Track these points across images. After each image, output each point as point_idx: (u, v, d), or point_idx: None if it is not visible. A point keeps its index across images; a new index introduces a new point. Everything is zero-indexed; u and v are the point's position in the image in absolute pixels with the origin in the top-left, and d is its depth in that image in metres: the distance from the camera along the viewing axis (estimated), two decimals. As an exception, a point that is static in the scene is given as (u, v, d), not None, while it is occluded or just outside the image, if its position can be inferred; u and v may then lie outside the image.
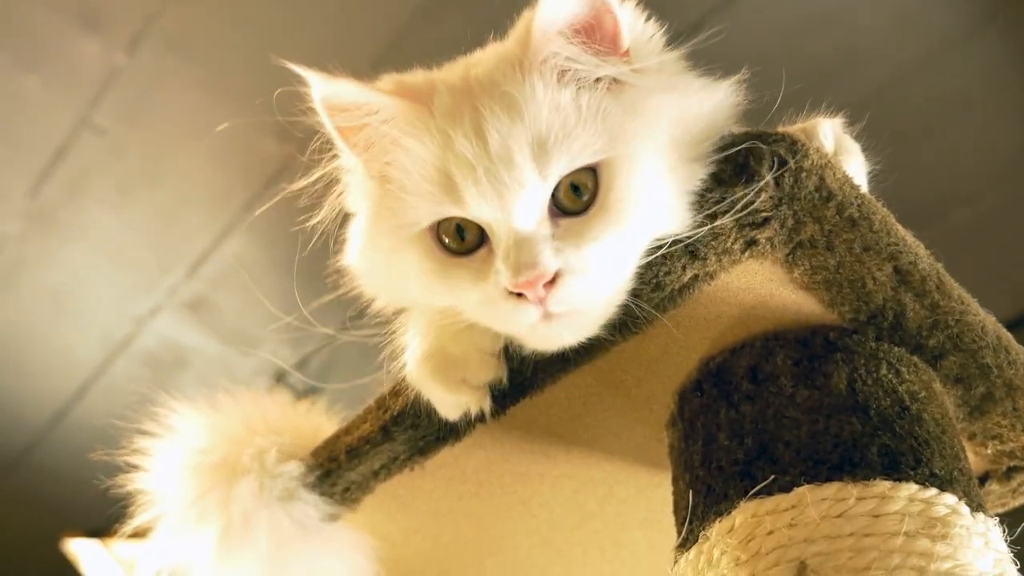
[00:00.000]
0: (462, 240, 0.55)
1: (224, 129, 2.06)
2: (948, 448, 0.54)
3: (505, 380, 0.59)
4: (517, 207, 0.52)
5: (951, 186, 2.06)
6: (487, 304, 0.54)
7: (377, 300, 0.63)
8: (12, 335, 2.40)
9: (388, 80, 0.60)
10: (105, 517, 0.78)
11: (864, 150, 0.61)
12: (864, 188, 0.59)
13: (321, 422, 0.79)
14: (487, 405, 0.60)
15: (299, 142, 1.99)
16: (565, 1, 0.52)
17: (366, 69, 2.02)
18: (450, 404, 0.60)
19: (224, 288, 2.34)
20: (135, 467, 0.74)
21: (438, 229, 0.56)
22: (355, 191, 0.61)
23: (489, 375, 0.58)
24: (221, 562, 0.68)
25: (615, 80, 0.54)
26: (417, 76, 0.59)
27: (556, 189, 0.53)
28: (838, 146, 0.58)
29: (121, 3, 1.86)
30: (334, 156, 0.62)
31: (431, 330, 0.59)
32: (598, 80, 0.54)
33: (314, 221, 0.63)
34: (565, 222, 0.53)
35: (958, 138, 1.95)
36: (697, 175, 0.53)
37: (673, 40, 0.59)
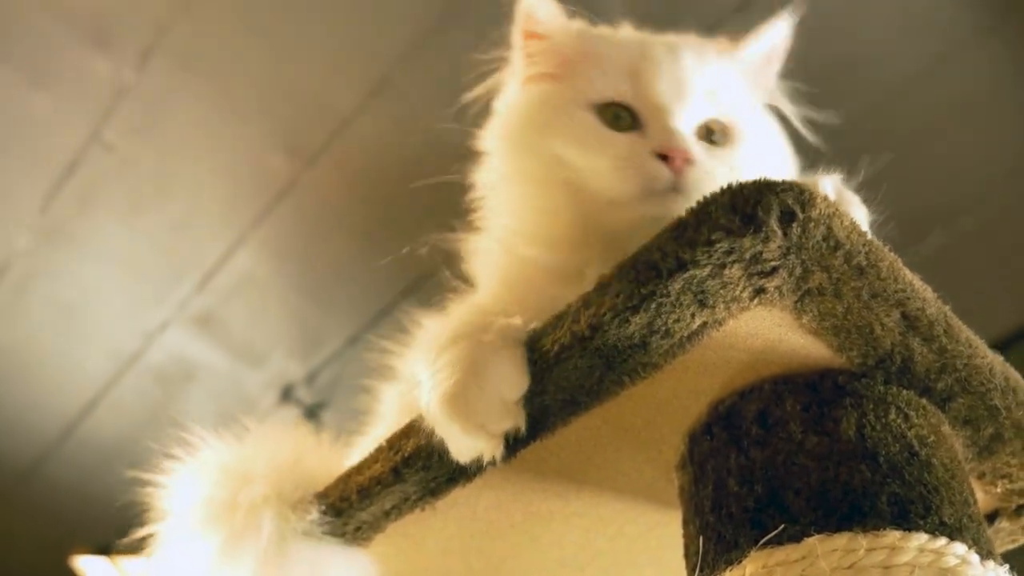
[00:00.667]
0: (617, 122, 0.67)
1: (233, 144, 2.07)
2: (957, 494, 0.55)
3: (523, 429, 0.59)
4: (686, 110, 0.66)
5: (958, 191, 2.06)
6: (631, 158, 0.64)
7: (490, 174, 0.74)
8: (22, 349, 2.42)
9: None
10: (114, 533, 0.79)
11: (865, 201, 0.62)
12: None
13: (337, 457, 0.79)
14: (500, 453, 0.60)
15: (307, 157, 2.00)
16: (775, 41, 0.74)
17: (376, 83, 2.03)
18: (465, 448, 0.60)
19: (233, 302, 2.35)
20: (156, 487, 0.74)
21: (600, 111, 0.68)
22: (519, 79, 0.74)
23: (509, 424, 0.59)
24: None
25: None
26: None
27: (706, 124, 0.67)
28: (839, 201, 0.58)
29: (131, 20, 1.88)
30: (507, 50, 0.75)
31: (455, 370, 0.60)
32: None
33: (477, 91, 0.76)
34: (703, 144, 0.66)
35: (963, 143, 1.95)
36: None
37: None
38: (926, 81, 1.87)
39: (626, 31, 0.74)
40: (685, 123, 0.66)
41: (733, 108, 0.68)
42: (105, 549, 2.41)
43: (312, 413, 2.54)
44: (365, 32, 1.88)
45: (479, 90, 0.76)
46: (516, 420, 0.59)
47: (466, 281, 0.76)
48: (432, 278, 0.80)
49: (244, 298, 2.40)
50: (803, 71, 1.91)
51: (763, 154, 0.69)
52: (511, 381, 0.59)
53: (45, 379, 2.52)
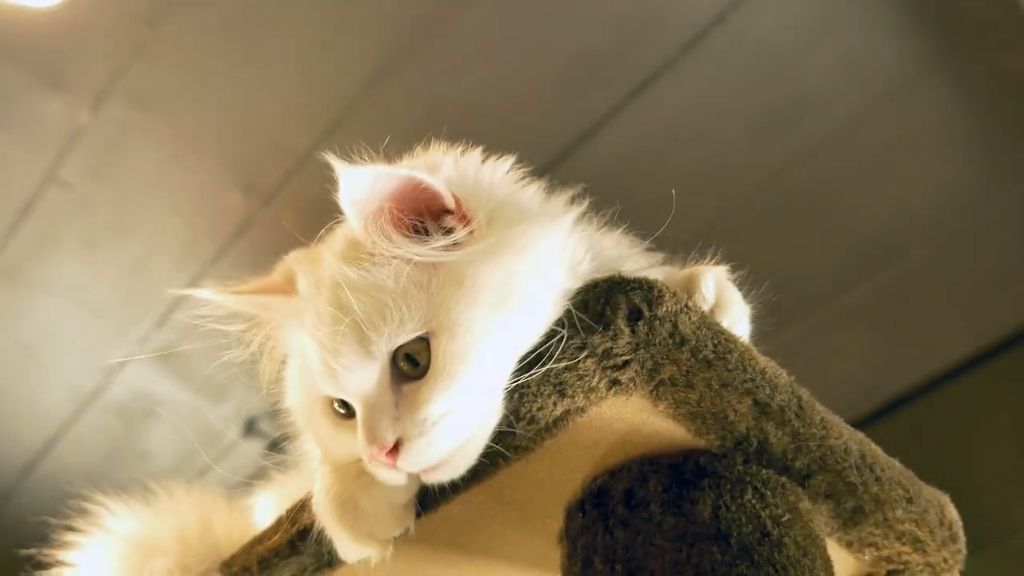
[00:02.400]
0: (347, 407, 0.60)
1: (190, 182, 2.09)
2: (808, 571, 0.57)
3: (412, 531, 0.61)
4: (351, 387, 0.57)
5: (906, 225, 2.09)
6: (374, 471, 0.58)
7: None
8: (-19, 388, 2.42)
9: (277, 268, 0.66)
10: None
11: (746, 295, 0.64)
12: (746, 333, 0.62)
13: (246, 522, 0.81)
14: (389, 554, 0.61)
15: (264, 195, 2.02)
16: (361, 184, 0.55)
17: (331, 122, 2.05)
18: (353, 552, 0.62)
19: (194, 338, 2.36)
20: (62, 564, 0.76)
21: (330, 403, 0.61)
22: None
23: (398, 530, 0.60)
24: None
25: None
26: (286, 262, 0.65)
27: (396, 358, 0.56)
28: (719, 296, 0.61)
29: (85, 62, 1.89)
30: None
31: (342, 474, 0.61)
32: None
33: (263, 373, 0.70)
34: (406, 387, 0.56)
35: (909, 180, 1.99)
36: (542, 321, 0.57)
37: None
38: (870, 120, 1.91)
39: None
40: (367, 391, 0.57)
41: (400, 316, 0.56)
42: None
43: (276, 446, 2.54)
44: (320, 72, 1.90)
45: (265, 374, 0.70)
46: (405, 523, 0.61)
47: None
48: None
49: (204, 334, 2.41)
50: (750, 110, 1.95)
51: (473, 310, 0.56)
52: (399, 487, 0.59)
53: (5, 417, 2.52)
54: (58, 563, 0.76)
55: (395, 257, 0.56)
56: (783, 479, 0.61)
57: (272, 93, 1.94)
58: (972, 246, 2.12)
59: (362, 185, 0.55)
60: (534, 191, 0.63)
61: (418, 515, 0.65)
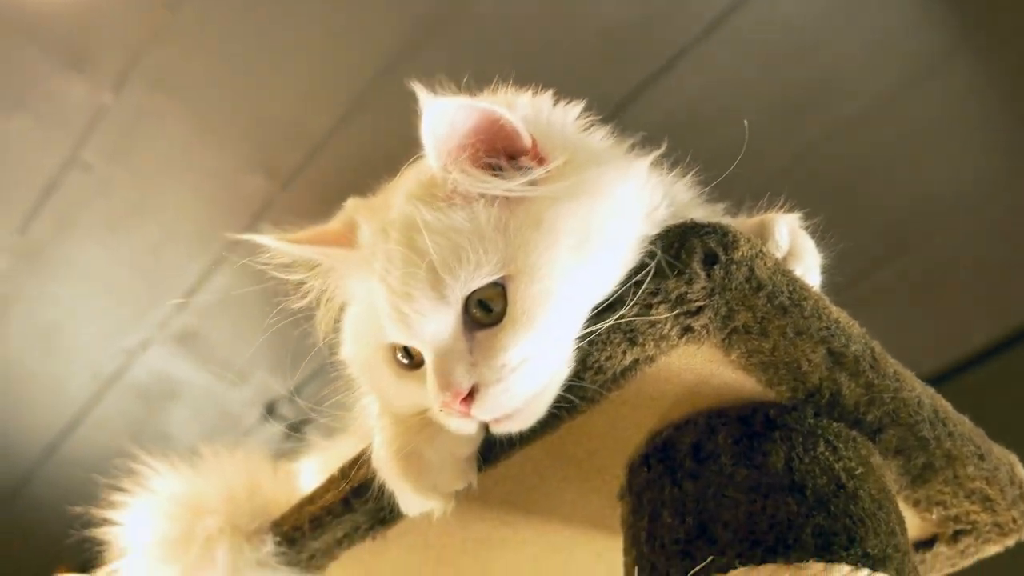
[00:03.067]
0: (411, 357, 0.59)
1: (209, 165, 2.08)
2: (883, 524, 0.56)
3: (475, 485, 0.60)
4: (424, 334, 0.55)
5: (926, 214, 2.08)
6: (444, 420, 0.57)
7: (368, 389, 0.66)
8: (2, 372, 2.42)
9: (337, 216, 0.64)
10: (97, 553, 0.80)
11: (819, 243, 0.63)
12: (818, 283, 0.61)
13: (293, 485, 0.81)
14: (450, 508, 0.60)
15: (283, 178, 2.01)
16: (446, 115, 0.53)
17: (350, 104, 2.05)
18: (416, 505, 0.60)
19: (214, 320, 2.36)
20: (109, 523, 0.75)
21: (392, 348, 0.59)
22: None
23: (462, 483, 0.59)
24: None
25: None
26: (347, 210, 0.63)
27: (468, 305, 0.55)
28: (794, 244, 0.60)
29: (106, 43, 1.89)
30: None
31: (404, 427, 0.60)
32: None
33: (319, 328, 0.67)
34: (480, 335, 0.54)
35: (935, 164, 1.97)
36: (619, 266, 0.55)
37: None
38: (895, 104, 1.89)
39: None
40: (441, 338, 0.55)
41: (477, 259, 0.54)
42: (89, 567, 2.40)
43: (296, 430, 2.54)
44: (338, 54, 1.89)
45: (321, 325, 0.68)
46: (469, 477, 0.60)
47: None
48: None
49: (225, 316, 2.41)
50: (776, 93, 1.93)
51: (553, 257, 0.54)
52: (466, 439, 0.58)
53: (27, 400, 2.52)
54: (105, 523, 0.75)
55: (474, 197, 0.54)
56: (854, 433, 0.60)
57: (291, 76, 1.93)
58: (995, 232, 2.10)
59: (445, 117, 0.53)
60: (604, 135, 0.61)
61: (477, 471, 0.64)
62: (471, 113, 0.53)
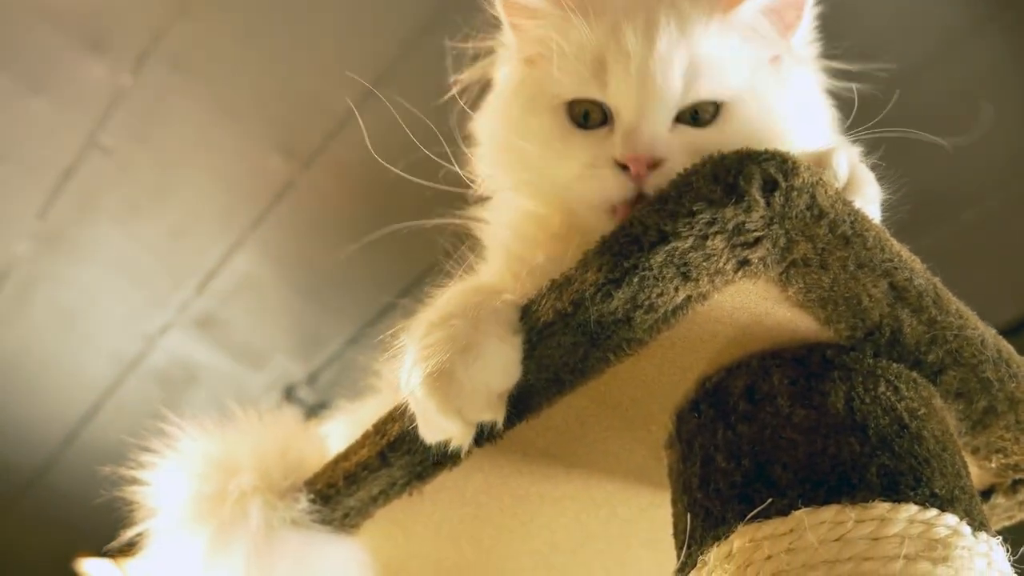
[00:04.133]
0: (587, 119, 0.63)
1: (230, 146, 2.07)
2: (949, 466, 0.54)
3: (500, 425, 0.58)
4: (656, 104, 0.60)
5: (959, 185, 2.04)
6: (593, 167, 0.60)
7: (483, 166, 0.70)
8: (23, 355, 2.42)
9: None
10: (118, 536, 0.79)
11: (879, 179, 0.61)
12: (877, 218, 0.58)
13: (324, 444, 0.79)
14: (468, 443, 0.59)
15: (304, 158, 1.99)
16: None
17: (371, 82, 2.01)
18: (435, 428, 0.59)
19: (233, 304, 2.35)
20: (140, 484, 0.74)
21: (570, 108, 0.64)
22: (504, 65, 0.71)
23: (487, 415, 0.58)
24: None
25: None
26: None
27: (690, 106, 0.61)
28: (852, 176, 0.57)
29: (126, 24, 1.87)
30: (495, 33, 0.72)
31: (446, 349, 0.57)
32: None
33: (462, 77, 0.72)
34: (682, 127, 0.61)
35: (965, 137, 1.94)
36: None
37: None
38: (922, 77, 1.86)
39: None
40: (659, 116, 0.60)
41: (722, 80, 0.61)
42: (110, 552, 2.40)
43: (315, 413, 2.54)
44: (359, 32, 1.88)
45: (469, 75, 0.72)
46: (495, 413, 0.58)
47: (467, 264, 0.73)
48: (433, 276, 0.78)
49: (244, 300, 2.40)
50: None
51: (771, 116, 0.62)
52: (503, 372, 0.57)
53: (47, 385, 2.52)
54: (136, 483, 0.73)
55: (748, 36, 0.63)
56: (914, 374, 0.58)
57: (311, 54, 1.92)
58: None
59: None
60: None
61: (517, 421, 0.62)
62: None
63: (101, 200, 2.17)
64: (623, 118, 0.61)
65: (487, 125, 0.70)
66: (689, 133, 0.60)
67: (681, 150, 0.59)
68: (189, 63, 1.92)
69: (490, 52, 0.72)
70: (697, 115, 0.61)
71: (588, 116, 0.63)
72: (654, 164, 0.58)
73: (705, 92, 0.61)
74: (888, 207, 0.63)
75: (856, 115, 0.72)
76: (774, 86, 0.63)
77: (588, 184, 0.60)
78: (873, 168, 0.61)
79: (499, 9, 0.68)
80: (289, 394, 2.50)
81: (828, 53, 0.69)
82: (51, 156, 2.10)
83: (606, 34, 0.62)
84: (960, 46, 1.79)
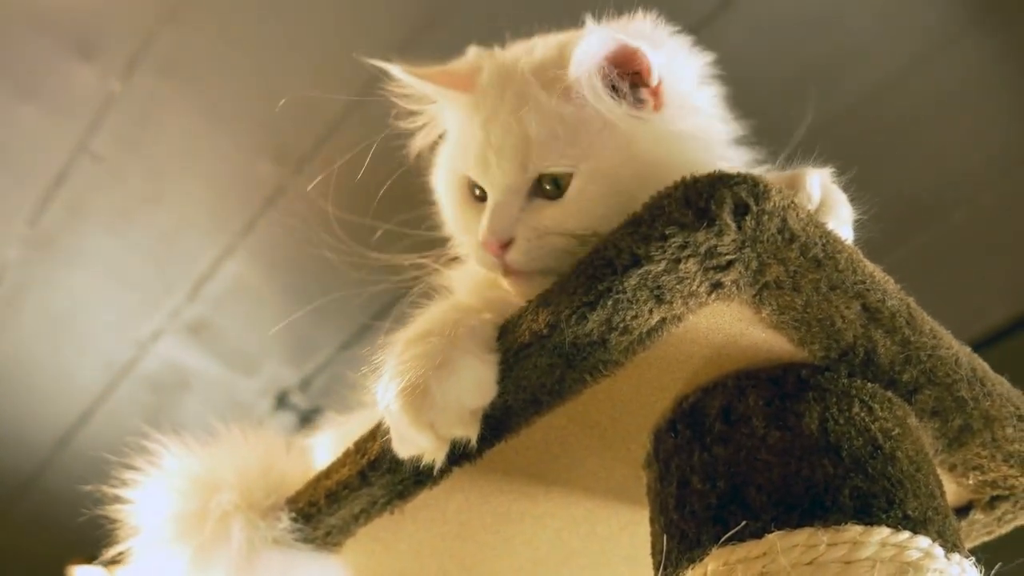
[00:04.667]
0: (483, 192, 0.66)
1: (220, 151, 2.07)
2: (922, 486, 0.54)
3: (474, 443, 0.58)
4: (497, 183, 0.64)
5: (945, 187, 2.05)
6: (481, 255, 0.65)
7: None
8: (15, 361, 2.41)
9: (462, 60, 0.71)
10: (110, 543, 0.79)
11: (852, 199, 0.61)
12: (850, 238, 0.59)
13: (307, 462, 0.79)
14: (440, 460, 0.59)
15: (295, 163, 1.99)
16: (603, 42, 0.61)
17: (361, 87, 2.02)
18: (408, 442, 0.59)
19: (225, 310, 2.35)
20: (123, 501, 0.74)
21: (470, 181, 0.68)
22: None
23: (460, 432, 0.58)
24: None
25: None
26: (479, 55, 0.70)
27: (541, 179, 0.63)
28: (826, 197, 0.58)
29: (115, 29, 1.87)
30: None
31: (421, 364, 0.58)
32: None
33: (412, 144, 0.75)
34: (537, 202, 0.63)
35: (951, 138, 1.94)
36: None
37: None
38: (913, 76, 1.86)
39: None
40: (505, 198, 0.63)
41: (563, 153, 0.62)
42: (102, 559, 2.39)
43: (307, 419, 2.54)
44: (349, 37, 1.87)
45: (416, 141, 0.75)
46: (469, 430, 0.58)
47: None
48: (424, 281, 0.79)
49: (236, 305, 2.40)
50: (790, 67, 1.90)
51: (623, 173, 0.62)
52: (478, 389, 0.57)
53: (39, 391, 2.52)
54: (119, 501, 0.73)
55: (587, 100, 0.62)
56: (889, 393, 0.58)
57: (302, 59, 1.91)
58: (1014, 207, 2.06)
59: (602, 44, 0.61)
60: (713, 93, 0.68)
61: (496, 441, 0.62)
62: (623, 48, 0.61)
63: (92, 206, 2.17)
64: (488, 199, 0.65)
65: (437, 184, 0.73)
66: (542, 207, 0.63)
67: (532, 226, 0.62)
68: (179, 69, 1.92)
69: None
70: (556, 182, 0.63)
71: (476, 192, 0.67)
72: (506, 245, 0.63)
73: (545, 168, 0.63)
74: (875, 213, 0.63)
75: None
76: (624, 143, 0.62)
77: (478, 257, 0.65)
78: (845, 188, 0.61)
79: (399, 96, 0.71)
80: (282, 400, 2.50)
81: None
82: (41, 162, 2.10)
83: (470, 120, 0.66)
84: (947, 48, 1.80)
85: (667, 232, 0.52)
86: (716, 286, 0.53)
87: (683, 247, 0.52)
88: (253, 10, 1.83)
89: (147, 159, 2.08)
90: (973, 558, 0.53)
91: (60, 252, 2.23)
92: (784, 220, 0.51)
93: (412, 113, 0.72)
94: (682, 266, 0.52)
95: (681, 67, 0.66)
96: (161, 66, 1.90)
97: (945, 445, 0.61)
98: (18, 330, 2.36)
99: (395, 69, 0.68)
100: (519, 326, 0.58)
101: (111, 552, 0.77)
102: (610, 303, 0.54)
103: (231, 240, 2.22)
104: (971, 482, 0.64)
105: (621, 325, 0.55)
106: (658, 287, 0.53)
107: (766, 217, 0.51)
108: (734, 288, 0.53)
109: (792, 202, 0.52)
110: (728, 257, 0.52)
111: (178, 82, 1.93)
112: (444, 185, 0.71)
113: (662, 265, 0.52)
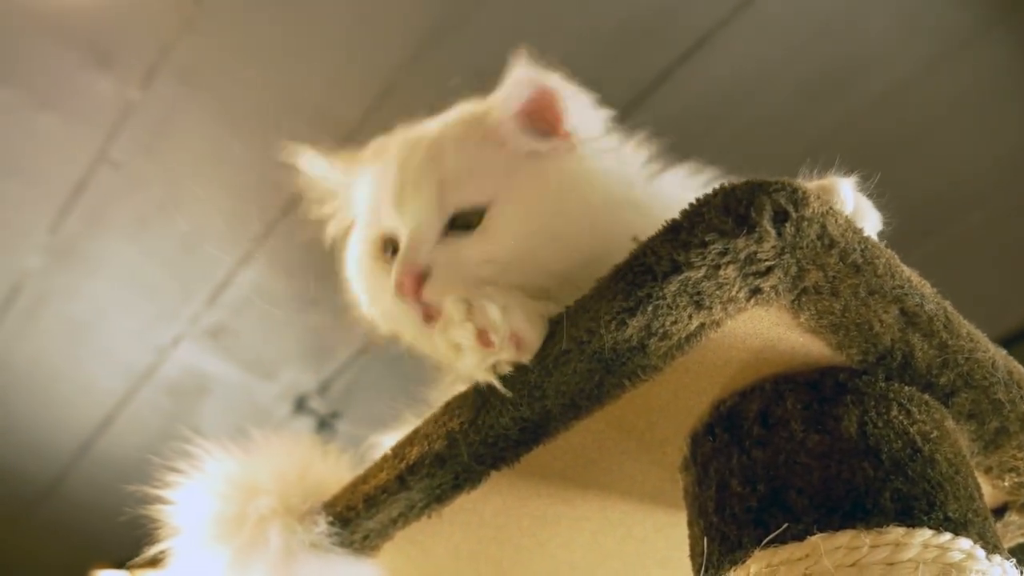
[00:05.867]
0: (393, 248, 0.68)
1: (238, 158, 2.08)
2: (962, 488, 0.54)
3: (526, 359, 0.59)
4: (412, 218, 0.66)
5: (963, 188, 2.05)
6: (395, 307, 0.66)
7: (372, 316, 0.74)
8: (36, 369, 2.43)
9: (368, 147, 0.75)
10: (132, 548, 0.80)
11: (872, 199, 0.62)
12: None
13: (344, 468, 0.80)
14: (490, 377, 0.59)
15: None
16: (516, 94, 0.66)
17: (378, 93, 2.03)
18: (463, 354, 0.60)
19: (244, 315, 2.36)
20: (163, 503, 0.75)
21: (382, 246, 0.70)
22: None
23: (513, 349, 0.58)
24: None
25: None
26: (385, 138, 0.73)
27: (455, 217, 0.66)
28: (857, 204, 0.59)
29: (133, 38, 1.89)
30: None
31: (483, 299, 0.61)
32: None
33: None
34: (451, 236, 0.66)
35: (968, 140, 1.94)
36: (578, 247, 0.64)
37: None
38: (929, 78, 1.86)
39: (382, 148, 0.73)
40: (423, 230, 0.65)
41: (477, 188, 0.65)
42: (124, 564, 2.42)
43: (326, 423, 2.55)
44: (366, 43, 1.89)
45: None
46: (524, 347, 0.59)
47: None
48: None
49: (255, 311, 2.42)
50: (806, 70, 1.91)
51: (535, 208, 0.65)
52: (530, 323, 0.60)
53: (60, 398, 2.54)
54: (157, 501, 0.74)
55: (504, 143, 0.66)
56: (926, 396, 0.58)
57: (318, 66, 1.93)
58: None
59: (529, 84, 0.65)
60: (623, 143, 0.72)
61: (534, 445, 0.63)
62: (545, 91, 0.66)
63: (111, 214, 2.19)
64: (401, 244, 0.67)
65: (352, 276, 0.75)
66: (457, 239, 0.65)
67: (447, 258, 0.65)
68: (197, 77, 1.94)
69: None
70: (467, 217, 0.66)
71: (387, 248, 0.69)
72: (421, 284, 0.64)
73: (459, 204, 0.65)
74: (892, 215, 0.64)
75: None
76: (539, 178, 0.66)
77: (395, 313, 0.68)
78: (861, 190, 0.62)
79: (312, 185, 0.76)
80: (300, 405, 2.51)
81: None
82: (61, 171, 2.12)
83: (379, 179, 0.69)
84: (962, 50, 1.80)
85: (707, 239, 0.52)
86: (755, 292, 0.53)
87: (723, 254, 0.52)
88: (269, 18, 1.84)
89: (166, 167, 2.10)
90: (1014, 559, 0.53)
91: (80, 260, 2.25)
92: (823, 226, 0.52)
93: (325, 200, 0.76)
94: (722, 272, 0.53)
95: (589, 115, 0.69)
96: (179, 74, 1.92)
97: (981, 447, 0.62)
98: (39, 338, 2.38)
99: (303, 160, 0.74)
100: (557, 333, 0.59)
101: (147, 552, 0.77)
102: (650, 309, 0.54)
103: (249, 246, 2.24)
104: (1007, 484, 0.64)
105: (660, 331, 0.55)
106: (698, 293, 0.54)
107: (806, 223, 0.51)
108: (773, 294, 0.54)
109: (831, 208, 0.53)
110: (768, 263, 0.52)
111: (196, 90, 1.95)
112: (357, 261, 0.72)
113: (702, 271, 0.53)
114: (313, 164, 0.74)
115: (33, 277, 2.32)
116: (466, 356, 0.59)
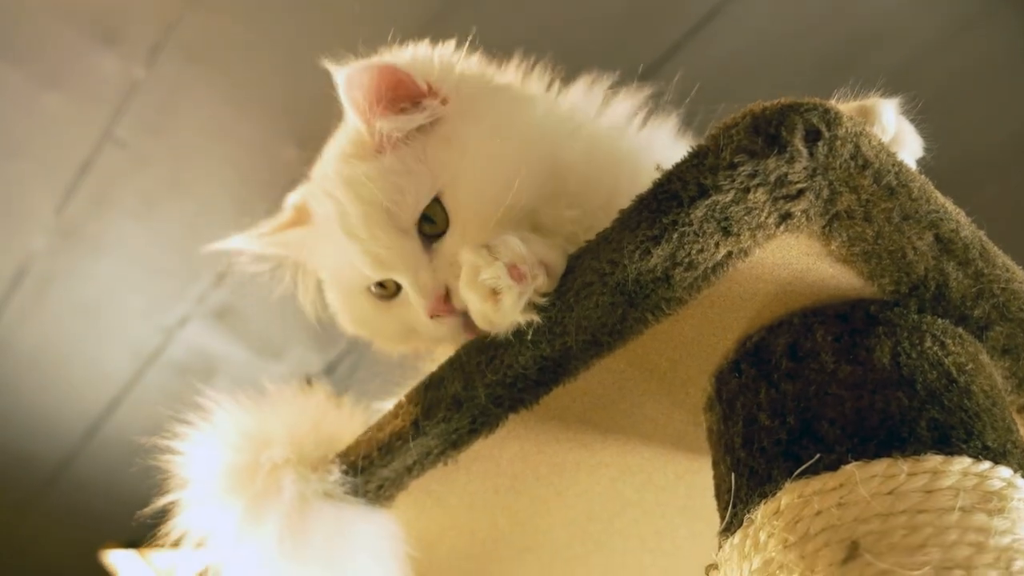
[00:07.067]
0: (384, 289, 0.70)
1: (244, 137, 2.07)
2: (1000, 420, 0.53)
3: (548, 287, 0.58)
4: (397, 263, 0.65)
5: (976, 163, 2.03)
6: (433, 330, 0.66)
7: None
8: (43, 350, 2.43)
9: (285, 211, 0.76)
10: (142, 527, 0.78)
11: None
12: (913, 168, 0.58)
13: (357, 419, 0.78)
14: (519, 305, 0.58)
15: (319, 147, 1.98)
16: (356, 95, 0.64)
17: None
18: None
19: (250, 295, 2.35)
20: (174, 453, 0.74)
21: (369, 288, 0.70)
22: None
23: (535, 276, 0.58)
24: (249, 552, 0.68)
25: (428, 124, 0.65)
26: (290, 203, 0.75)
27: (420, 226, 0.65)
28: (899, 128, 0.57)
29: (138, 16, 1.87)
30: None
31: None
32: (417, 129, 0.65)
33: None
34: (435, 245, 0.65)
35: (980, 115, 1.92)
36: (530, 173, 0.63)
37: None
38: (942, 52, 1.84)
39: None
40: (407, 261, 0.66)
41: (413, 188, 0.65)
42: (135, 543, 2.41)
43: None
44: (372, 20, 1.87)
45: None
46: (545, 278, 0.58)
47: None
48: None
49: (261, 291, 2.40)
50: (814, 46, 1.89)
51: (471, 173, 0.65)
52: (552, 256, 0.59)
53: (68, 379, 2.53)
54: (170, 453, 0.73)
55: (397, 141, 0.64)
56: (960, 329, 0.56)
57: (325, 42, 1.91)
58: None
59: (354, 81, 0.64)
60: (505, 72, 0.71)
61: (554, 385, 0.61)
62: (371, 71, 0.64)
63: (117, 194, 2.18)
64: (399, 280, 0.68)
65: (344, 323, 0.79)
66: (442, 245, 0.65)
67: (449, 264, 0.64)
68: (202, 54, 1.92)
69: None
70: (430, 219, 0.66)
71: (385, 286, 0.70)
72: (448, 301, 0.64)
73: (415, 216, 0.65)
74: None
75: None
76: (453, 140, 0.65)
77: (436, 334, 0.68)
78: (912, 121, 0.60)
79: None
80: (308, 385, 2.50)
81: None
82: (67, 151, 2.10)
83: (332, 240, 0.69)
84: (974, 24, 1.77)
85: (736, 160, 0.50)
86: (786, 216, 0.52)
87: (752, 176, 0.50)
88: (275, -6, 1.83)
89: (171, 145, 2.08)
90: (1053, 492, 0.51)
91: (86, 240, 2.23)
92: (857, 146, 0.50)
93: (277, 269, 0.78)
94: (751, 196, 0.51)
95: (450, 61, 0.68)
96: (185, 52, 1.90)
97: (1015, 385, 0.60)
98: (46, 318, 2.37)
99: (235, 241, 0.77)
100: (579, 264, 0.57)
101: (159, 504, 0.76)
102: (675, 236, 0.53)
103: (256, 225, 2.22)
104: (1040, 424, 0.62)
105: (686, 260, 0.53)
106: (726, 218, 0.52)
107: (839, 143, 0.50)
108: (804, 219, 0.52)
109: (864, 129, 0.51)
110: (799, 185, 0.50)
111: (202, 68, 1.93)
112: (355, 319, 0.73)
113: (730, 195, 0.51)
114: (244, 244, 0.76)
115: (39, 259, 2.31)
116: (504, 298, 0.57)
